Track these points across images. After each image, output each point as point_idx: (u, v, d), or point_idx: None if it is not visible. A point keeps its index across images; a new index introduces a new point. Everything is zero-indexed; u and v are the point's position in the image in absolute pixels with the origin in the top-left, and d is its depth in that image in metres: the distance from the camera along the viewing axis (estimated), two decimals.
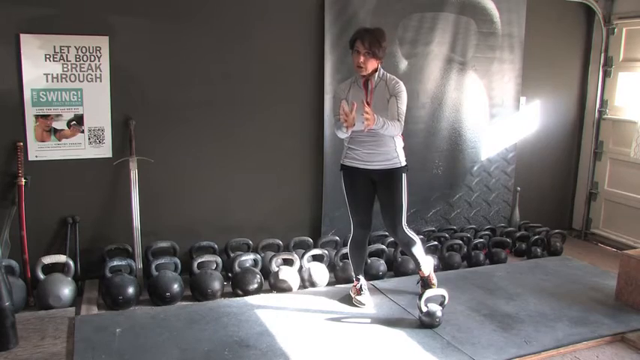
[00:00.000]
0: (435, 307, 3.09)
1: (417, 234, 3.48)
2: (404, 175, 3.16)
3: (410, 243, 3.21)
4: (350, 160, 3.17)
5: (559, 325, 3.14)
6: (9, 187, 3.34)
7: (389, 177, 3.15)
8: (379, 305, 3.35)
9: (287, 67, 3.92)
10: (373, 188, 3.21)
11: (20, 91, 3.30)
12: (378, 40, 2.99)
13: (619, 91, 4.85)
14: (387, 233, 4.13)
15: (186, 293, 3.43)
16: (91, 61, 3.42)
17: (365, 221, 3.27)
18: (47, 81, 3.35)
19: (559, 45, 4.89)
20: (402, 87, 3.06)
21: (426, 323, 3.07)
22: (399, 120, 2.99)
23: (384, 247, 3.96)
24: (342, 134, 3.00)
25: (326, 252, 3.82)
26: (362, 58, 2.97)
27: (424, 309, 3.06)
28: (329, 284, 3.69)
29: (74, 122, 3.46)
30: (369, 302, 3.35)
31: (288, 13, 3.87)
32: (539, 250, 4.45)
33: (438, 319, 3.07)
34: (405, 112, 3.04)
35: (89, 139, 3.51)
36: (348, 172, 3.21)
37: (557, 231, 4.59)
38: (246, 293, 3.45)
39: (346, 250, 3.71)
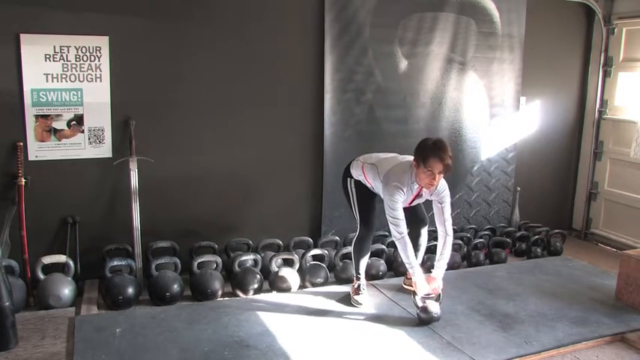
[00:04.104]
0: (431, 303, 3.09)
1: None
2: None
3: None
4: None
5: (559, 325, 3.14)
6: (9, 187, 3.34)
7: None
8: (379, 305, 3.35)
9: (287, 67, 3.92)
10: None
11: (20, 91, 3.30)
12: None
13: (619, 91, 4.85)
14: (387, 233, 4.14)
15: (186, 293, 3.43)
16: (91, 61, 3.42)
17: (375, 222, 3.40)
18: (47, 81, 3.35)
19: (559, 45, 4.89)
20: (448, 192, 3.19)
21: (423, 319, 3.08)
22: (447, 221, 3.21)
23: (384, 247, 3.95)
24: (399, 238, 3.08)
25: (326, 252, 3.82)
26: (437, 178, 2.95)
27: (420, 304, 3.07)
28: (329, 284, 3.69)
29: (74, 122, 3.46)
30: (367, 302, 3.35)
31: (288, 13, 3.87)
32: (539, 250, 4.45)
33: (435, 315, 3.07)
34: None
35: (89, 139, 3.50)
36: (361, 184, 3.32)
37: (557, 231, 4.58)
38: (246, 293, 3.45)
39: (346, 250, 3.72)
